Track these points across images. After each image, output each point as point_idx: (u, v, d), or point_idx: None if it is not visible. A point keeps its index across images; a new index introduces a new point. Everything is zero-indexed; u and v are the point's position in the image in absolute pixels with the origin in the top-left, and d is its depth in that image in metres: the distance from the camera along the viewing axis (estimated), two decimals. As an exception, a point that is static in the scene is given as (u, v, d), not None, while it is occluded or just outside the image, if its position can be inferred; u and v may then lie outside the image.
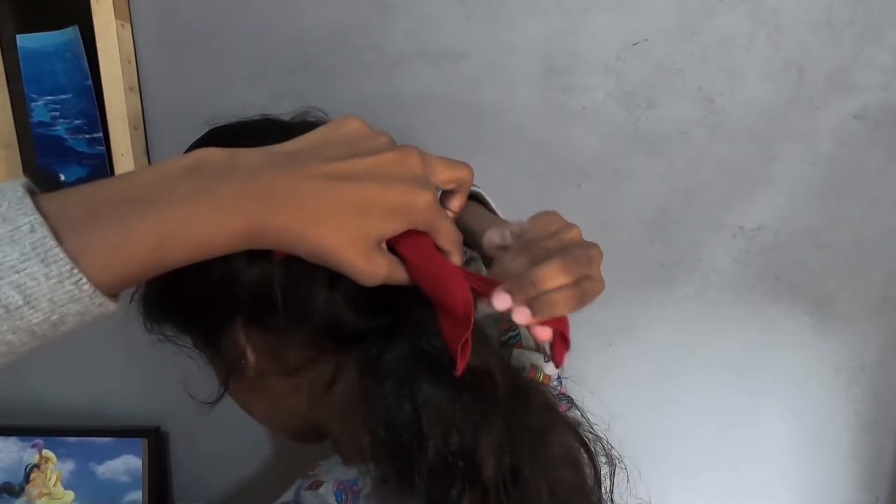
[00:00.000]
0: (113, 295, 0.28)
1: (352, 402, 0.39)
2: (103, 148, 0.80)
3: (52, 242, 0.25)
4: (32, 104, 0.81)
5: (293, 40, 0.77)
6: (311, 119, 0.46)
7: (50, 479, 0.90)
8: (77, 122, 0.80)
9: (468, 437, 0.35)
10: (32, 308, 0.25)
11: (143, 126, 0.81)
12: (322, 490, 0.41)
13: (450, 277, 0.33)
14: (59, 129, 0.81)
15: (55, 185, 0.82)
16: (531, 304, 0.33)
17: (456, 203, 0.39)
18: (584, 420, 0.46)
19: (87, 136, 0.80)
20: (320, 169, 0.30)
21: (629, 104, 0.73)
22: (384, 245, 0.33)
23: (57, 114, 0.80)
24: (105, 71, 0.76)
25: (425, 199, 0.32)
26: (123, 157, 0.77)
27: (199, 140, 0.44)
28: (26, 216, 0.26)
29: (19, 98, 0.81)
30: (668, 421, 0.80)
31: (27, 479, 0.90)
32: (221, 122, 0.45)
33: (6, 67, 0.81)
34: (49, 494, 0.90)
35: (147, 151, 0.81)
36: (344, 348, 0.39)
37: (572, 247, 0.35)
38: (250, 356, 0.41)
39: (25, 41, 0.79)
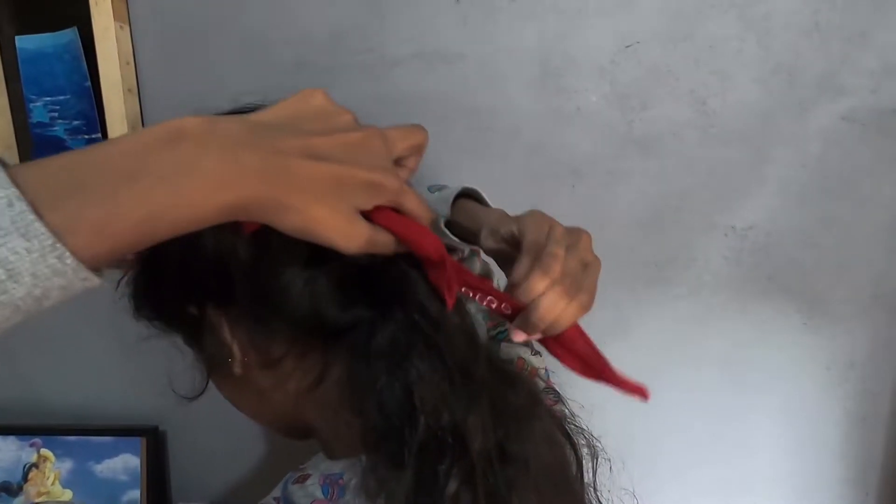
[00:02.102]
0: (97, 269, 0.28)
1: (339, 398, 0.40)
2: (102, 149, 0.81)
3: (31, 217, 0.25)
4: (31, 105, 0.81)
5: (290, 42, 0.77)
6: None
7: (48, 478, 0.90)
8: (76, 122, 0.80)
9: (458, 414, 0.37)
10: (15, 282, 0.25)
11: (142, 127, 0.81)
12: (308, 483, 0.41)
13: (417, 234, 0.36)
14: (58, 129, 0.81)
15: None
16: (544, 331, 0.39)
17: (412, 161, 0.40)
18: (569, 414, 0.47)
19: (86, 136, 0.81)
20: (298, 143, 0.32)
21: (623, 106, 0.74)
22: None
23: (56, 115, 0.81)
24: (104, 72, 0.76)
25: (391, 183, 0.34)
26: (122, 157, 0.78)
27: None
28: (3, 189, 0.25)
29: (18, 99, 0.82)
30: (661, 418, 0.81)
31: (25, 478, 0.90)
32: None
33: (5, 69, 0.82)
34: (47, 493, 0.90)
35: (146, 152, 0.81)
36: (330, 344, 0.40)
37: (573, 258, 0.39)
38: (236, 351, 0.41)
39: (24, 42, 0.79)
